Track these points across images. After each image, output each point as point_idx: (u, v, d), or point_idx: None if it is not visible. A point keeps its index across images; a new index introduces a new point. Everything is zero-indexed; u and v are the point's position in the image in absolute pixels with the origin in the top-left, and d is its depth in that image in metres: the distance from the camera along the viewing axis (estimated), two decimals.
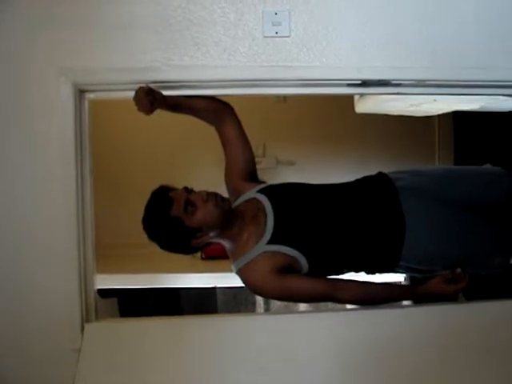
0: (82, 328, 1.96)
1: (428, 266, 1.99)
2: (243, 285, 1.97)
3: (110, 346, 1.93)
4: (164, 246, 1.89)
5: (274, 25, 1.96)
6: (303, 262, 1.88)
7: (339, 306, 2.11)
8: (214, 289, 3.73)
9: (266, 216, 1.92)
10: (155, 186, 1.95)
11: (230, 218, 1.90)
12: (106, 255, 2.62)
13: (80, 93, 1.98)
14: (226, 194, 2.08)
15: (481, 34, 2.02)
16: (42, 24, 1.96)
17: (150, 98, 1.88)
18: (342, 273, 2.01)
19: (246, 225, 1.93)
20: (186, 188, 1.88)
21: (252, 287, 1.93)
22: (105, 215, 2.41)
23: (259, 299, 3.67)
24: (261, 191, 2.00)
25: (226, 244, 1.96)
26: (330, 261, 1.95)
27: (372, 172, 2.11)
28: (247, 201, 2.01)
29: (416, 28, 1.99)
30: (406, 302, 2.37)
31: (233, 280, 3.08)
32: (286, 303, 3.41)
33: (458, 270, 1.93)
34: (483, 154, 3.40)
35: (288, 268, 1.88)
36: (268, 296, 2.15)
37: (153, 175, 3.55)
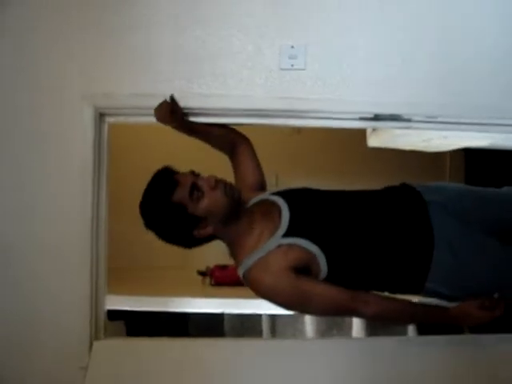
0: (91, 346, 1.99)
1: (457, 292, 1.80)
2: (252, 294, 1.72)
3: (118, 364, 1.95)
4: (162, 234, 1.72)
5: (290, 58, 2.01)
6: (322, 262, 1.68)
7: (345, 335, 2.10)
8: (221, 315, 3.73)
9: (280, 210, 1.75)
10: None
11: (239, 210, 1.74)
12: (116, 277, 2.66)
13: (100, 116, 2.04)
14: None
15: (493, 72, 2.06)
16: (66, 50, 2.03)
17: (171, 108, 1.89)
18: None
19: (258, 221, 1.75)
20: (192, 172, 1.73)
21: (262, 289, 1.68)
22: (118, 237, 2.45)
23: (266, 327, 3.66)
24: (274, 194, 1.85)
25: (232, 241, 1.77)
26: (352, 266, 1.73)
27: None
28: (258, 203, 1.85)
29: (429, 65, 2.04)
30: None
31: (241, 306, 3.11)
32: (292, 332, 3.40)
33: (496, 295, 1.73)
34: None
35: (305, 268, 1.67)
36: (279, 300, 1.72)
37: None
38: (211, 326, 3.77)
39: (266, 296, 1.71)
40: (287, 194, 1.81)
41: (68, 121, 2.02)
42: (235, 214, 1.71)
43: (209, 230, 1.70)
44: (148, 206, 1.69)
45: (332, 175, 4.17)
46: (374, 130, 3.00)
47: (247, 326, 3.78)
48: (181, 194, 1.65)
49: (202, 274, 3.57)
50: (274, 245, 1.67)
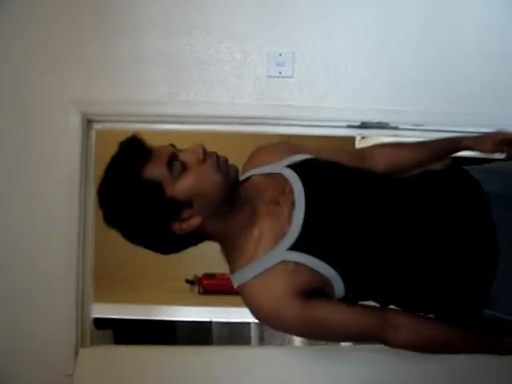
0: (77, 353, 1.97)
1: None
2: (245, 310, 1.27)
3: (103, 371, 1.94)
4: (129, 232, 1.21)
5: (278, 65, 2.03)
6: (337, 285, 1.23)
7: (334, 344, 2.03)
8: (209, 323, 3.71)
9: (293, 205, 1.25)
10: None
11: (237, 196, 1.23)
12: (105, 286, 2.64)
13: (88, 123, 2.04)
14: None
15: (480, 81, 2.09)
16: (54, 57, 2.03)
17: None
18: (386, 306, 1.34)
19: (261, 214, 1.26)
20: (173, 145, 1.25)
21: (263, 315, 1.25)
22: (105, 246, 2.44)
23: (254, 335, 3.65)
24: (291, 166, 1.34)
25: (225, 241, 1.29)
26: (378, 289, 1.30)
27: None
28: (268, 175, 1.35)
29: (416, 73, 2.07)
30: None
31: (229, 315, 3.10)
32: (281, 340, 3.38)
33: None
34: None
35: (315, 291, 1.23)
36: (284, 328, 1.31)
37: None
38: (199, 335, 3.76)
39: (267, 323, 1.29)
40: (307, 174, 1.31)
41: (55, 127, 2.02)
42: (230, 202, 1.22)
43: (195, 221, 1.19)
44: (108, 188, 1.19)
45: None
46: (362, 137, 3.01)
47: (235, 334, 3.77)
48: (155, 167, 1.16)
49: (190, 282, 3.56)
50: (276, 259, 1.22)
